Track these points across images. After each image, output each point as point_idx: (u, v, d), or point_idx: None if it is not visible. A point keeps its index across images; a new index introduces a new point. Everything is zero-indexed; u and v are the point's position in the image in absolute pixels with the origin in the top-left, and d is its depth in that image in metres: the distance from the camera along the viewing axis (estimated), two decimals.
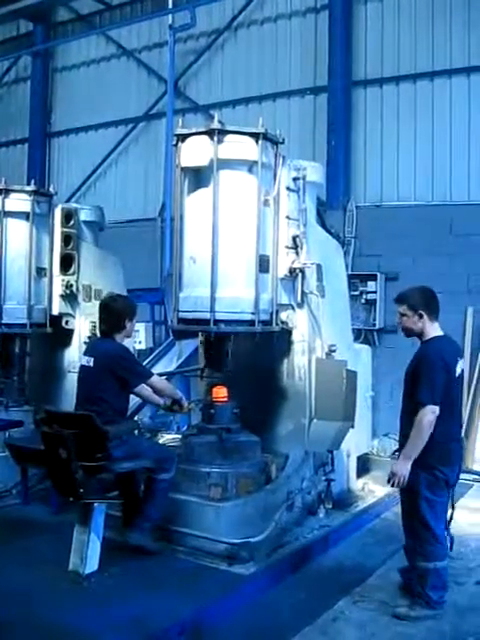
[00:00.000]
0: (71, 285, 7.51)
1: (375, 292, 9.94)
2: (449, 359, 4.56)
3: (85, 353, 5.57)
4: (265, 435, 5.94)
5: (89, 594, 4.61)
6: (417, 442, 4.40)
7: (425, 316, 4.61)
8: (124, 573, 4.89)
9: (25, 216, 7.32)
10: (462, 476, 7.67)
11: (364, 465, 7.30)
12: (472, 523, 6.35)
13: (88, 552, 4.81)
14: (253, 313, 5.52)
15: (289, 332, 5.98)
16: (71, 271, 7.58)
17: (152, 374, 5.58)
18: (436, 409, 4.39)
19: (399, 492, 4.74)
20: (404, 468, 4.42)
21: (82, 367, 5.44)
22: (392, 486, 4.55)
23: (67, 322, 7.52)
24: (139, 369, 5.48)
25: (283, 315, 5.87)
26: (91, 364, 5.28)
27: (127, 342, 8.28)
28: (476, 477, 7.82)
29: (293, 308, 5.93)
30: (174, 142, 5.74)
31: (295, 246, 5.85)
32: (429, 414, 4.37)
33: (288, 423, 6.01)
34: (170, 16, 12.01)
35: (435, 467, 4.48)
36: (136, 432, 5.72)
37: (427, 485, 4.47)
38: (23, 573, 4.80)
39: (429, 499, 4.49)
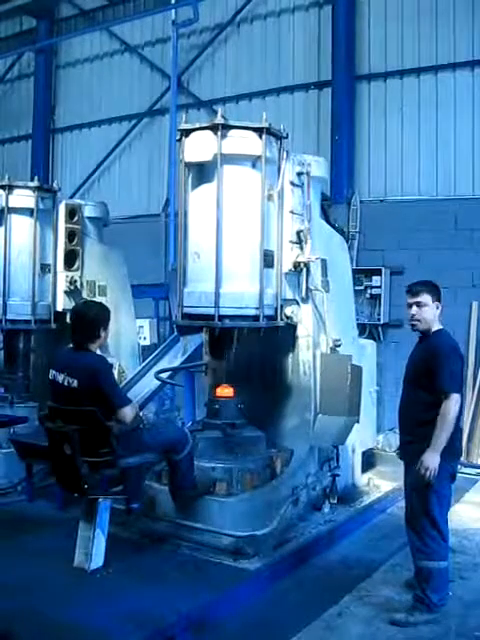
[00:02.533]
0: (75, 281, 7.53)
1: (380, 287, 9.89)
2: (461, 351, 4.59)
3: (58, 368, 4.98)
4: (270, 430, 5.94)
5: (94, 589, 4.62)
6: (445, 432, 4.34)
7: (440, 307, 4.63)
8: (129, 568, 4.90)
9: (29, 212, 7.34)
10: (468, 471, 7.74)
11: (369, 460, 7.30)
12: (476, 518, 6.34)
13: (93, 548, 4.82)
14: (257, 308, 5.52)
15: (294, 327, 5.97)
16: (75, 267, 7.60)
17: (129, 402, 5.09)
18: (459, 398, 4.38)
19: (406, 488, 4.69)
20: (435, 460, 4.33)
21: (60, 386, 4.93)
22: (425, 479, 4.35)
23: None
24: (119, 392, 5.09)
25: (288, 310, 5.85)
26: (75, 385, 4.85)
27: (131, 338, 8.38)
28: None
29: (297, 303, 5.92)
30: (178, 137, 5.74)
31: (299, 241, 5.85)
32: (455, 403, 4.36)
33: (293, 418, 6.01)
34: (173, 11, 11.97)
35: (447, 460, 4.43)
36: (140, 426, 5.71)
37: (438, 479, 4.40)
38: (29, 569, 4.80)
39: (439, 494, 4.46)
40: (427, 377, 4.48)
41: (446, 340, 4.60)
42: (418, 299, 4.60)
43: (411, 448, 4.56)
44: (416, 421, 4.50)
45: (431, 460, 4.34)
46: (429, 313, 4.60)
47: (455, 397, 4.37)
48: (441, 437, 4.34)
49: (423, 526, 4.47)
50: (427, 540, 4.46)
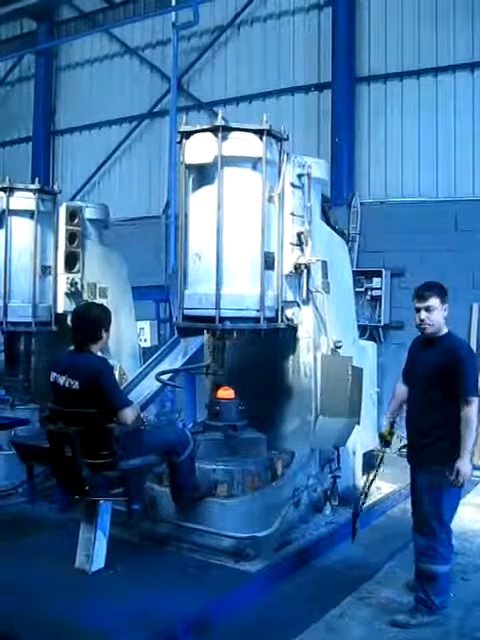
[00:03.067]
0: (76, 283, 7.53)
1: (380, 288, 9.90)
2: None
3: (59, 370, 4.96)
4: (271, 432, 5.94)
5: (96, 591, 4.62)
6: (472, 436, 4.35)
7: (447, 308, 4.62)
8: (130, 570, 4.89)
9: (30, 214, 7.34)
10: None
11: (370, 462, 7.28)
12: (477, 520, 6.34)
13: (94, 550, 4.82)
14: (258, 310, 5.52)
15: (294, 329, 5.97)
16: (76, 269, 7.60)
17: (130, 403, 5.10)
18: (477, 400, 4.40)
19: (417, 492, 4.63)
20: (469, 466, 4.35)
21: (61, 388, 4.91)
22: (457, 486, 4.39)
23: None
24: (120, 394, 5.09)
25: (288, 312, 5.85)
26: (76, 387, 4.83)
27: (132, 340, 8.38)
28: None
29: (298, 305, 5.92)
30: (178, 139, 5.75)
31: (300, 243, 5.85)
32: (476, 407, 4.37)
33: (294, 420, 6.00)
34: (173, 14, 11.98)
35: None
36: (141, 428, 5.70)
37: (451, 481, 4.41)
38: (30, 570, 4.81)
39: (452, 495, 4.47)
40: (445, 381, 4.45)
41: (463, 344, 4.66)
42: (427, 303, 4.55)
43: (426, 451, 4.53)
44: (432, 424, 4.48)
45: (465, 466, 4.34)
46: (438, 316, 4.57)
47: (477, 401, 4.38)
48: (469, 441, 4.35)
49: (433, 529, 4.46)
50: (436, 544, 4.45)
